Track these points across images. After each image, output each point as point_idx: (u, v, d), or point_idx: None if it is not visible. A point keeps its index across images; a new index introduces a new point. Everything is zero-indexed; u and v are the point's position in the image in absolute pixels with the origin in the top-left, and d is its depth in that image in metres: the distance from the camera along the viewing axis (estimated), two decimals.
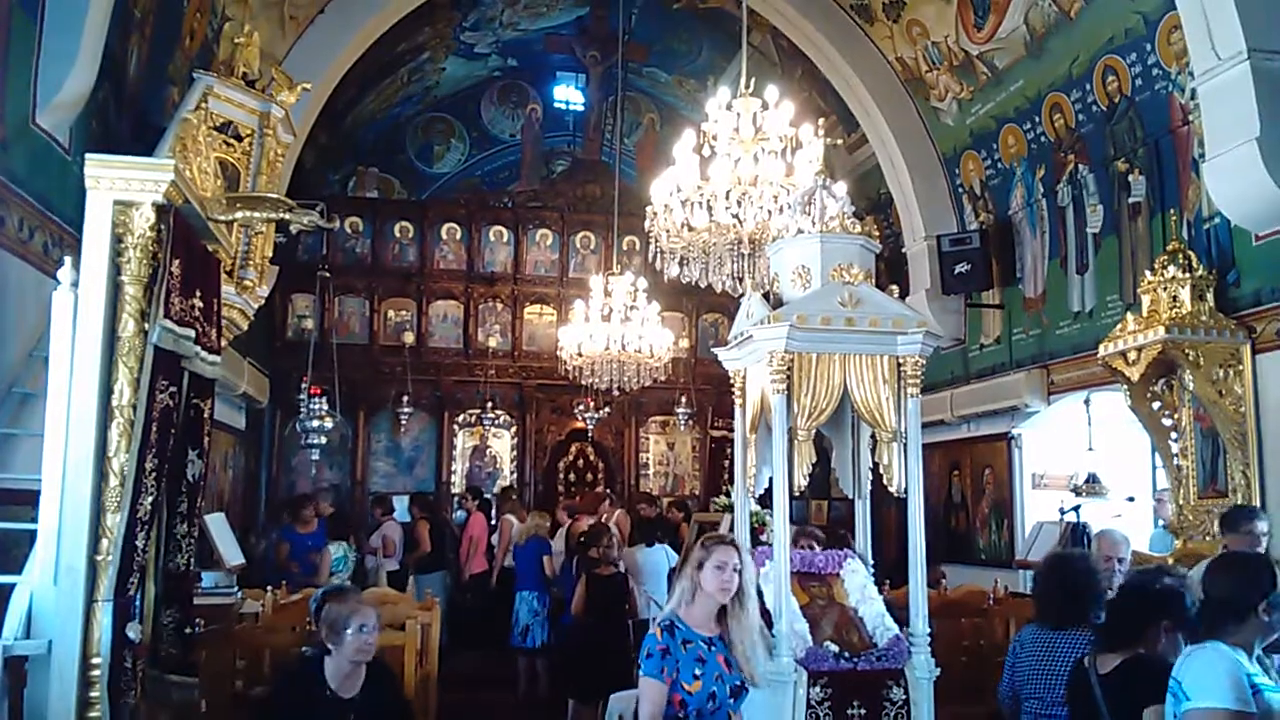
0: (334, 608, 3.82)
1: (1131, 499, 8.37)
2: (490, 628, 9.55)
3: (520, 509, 11.04)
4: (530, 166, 14.77)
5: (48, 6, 5.06)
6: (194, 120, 4.90)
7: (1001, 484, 9.72)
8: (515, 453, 13.56)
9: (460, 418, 13.34)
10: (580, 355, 9.77)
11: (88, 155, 3.86)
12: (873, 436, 4.27)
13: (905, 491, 4.07)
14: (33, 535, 3.88)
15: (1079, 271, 8.57)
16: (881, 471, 4.11)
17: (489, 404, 13.04)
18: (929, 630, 4.08)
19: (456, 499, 12.46)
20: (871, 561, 4.60)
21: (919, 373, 4.14)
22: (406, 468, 13.13)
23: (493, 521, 11.17)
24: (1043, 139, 8.76)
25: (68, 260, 3.98)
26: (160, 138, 5.24)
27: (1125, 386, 6.73)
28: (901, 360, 4.12)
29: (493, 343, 13.23)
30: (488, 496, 11.97)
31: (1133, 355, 6.49)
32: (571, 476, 14.06)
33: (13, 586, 3.88)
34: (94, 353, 3.81)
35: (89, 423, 3.77)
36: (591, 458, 14.11)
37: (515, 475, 13.43)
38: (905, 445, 4.09)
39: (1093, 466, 8.68)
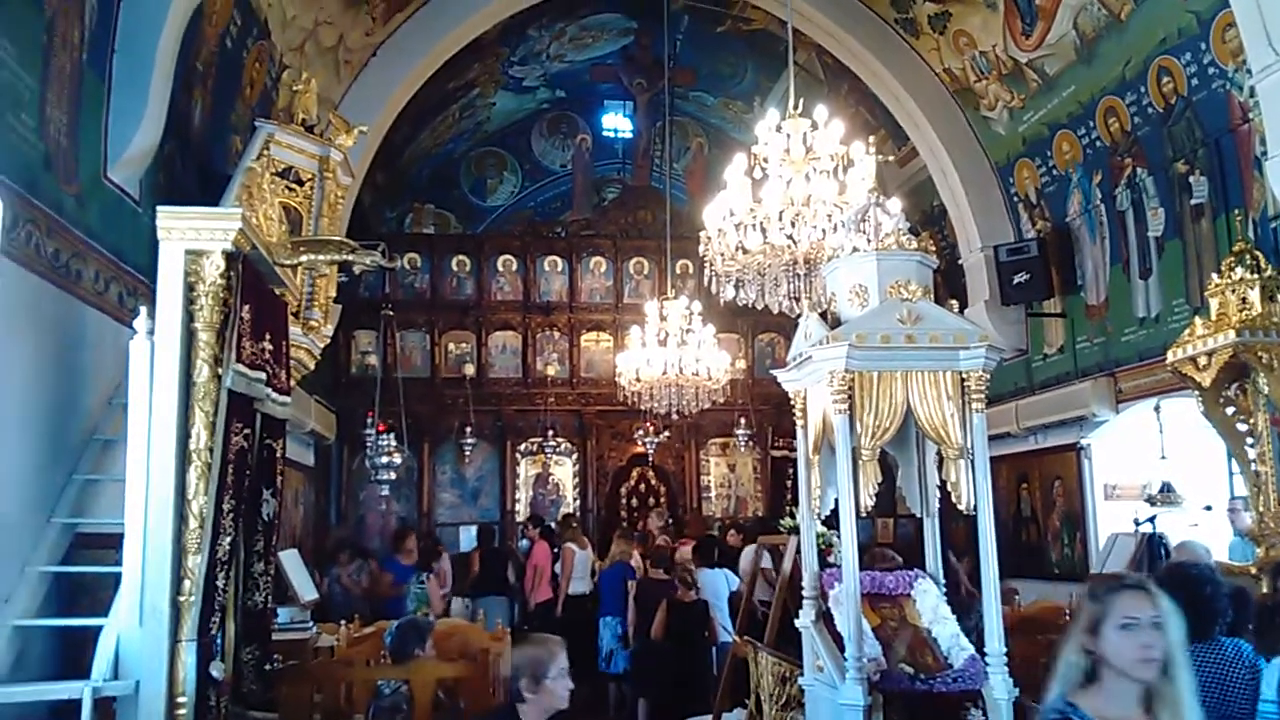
0: (533, 652, 3.57)
1: (1209, 508, 8.15)
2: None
3: (580, 536, 11.09)
4: (582, 196, 14.91)
5: (115, 65, 5.27)
6: (258, 168, 5.05)
7: (1072, 495, 9.53)
8: (577, 479, 13.61)
9: (522, 446, 13.45)
10: (638, 380, 9.81)
11: (159, 207, 4.00)
12: (939, 453, 4.22)
13: (974, 508, 4.01)
14: (117, 578, 4.01)
15: (1142, 276, 8.42)
16: (949, 489, 4.06)
17: (550, 432, 13.12)
18: (1005, 650, 4.00)
19: (520, 527, 12.55)
20: (943, 580, 4.54)
21: (983, 387, 4.08)
22: (471, 498, 13.25)
23: (556, 549, 11.20)
24: (1098, 144, 8.64)
25: (143, 309, 4.12)
26: (225, 185, 5.40)
27: (1197, 392, 6.57)
28: (965, 375, 4.07)
29: (551, 371, 13.34)
30: (550, 524, 12.03)
31: (1203, 360, 6.33)
32: (634, 501, 14.06)
33: (100, 629, 4.00)
34: (171, 398, 3.94)
35: (168, 467, 3.89)
36: (653, 482, 14.10)
37: (578, 502, 13.47)
38: (972, 461, 4.04)
39: (1166, 475, 8.49)
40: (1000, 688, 3.88)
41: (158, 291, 4.04)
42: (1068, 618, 6.60)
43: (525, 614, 10.68)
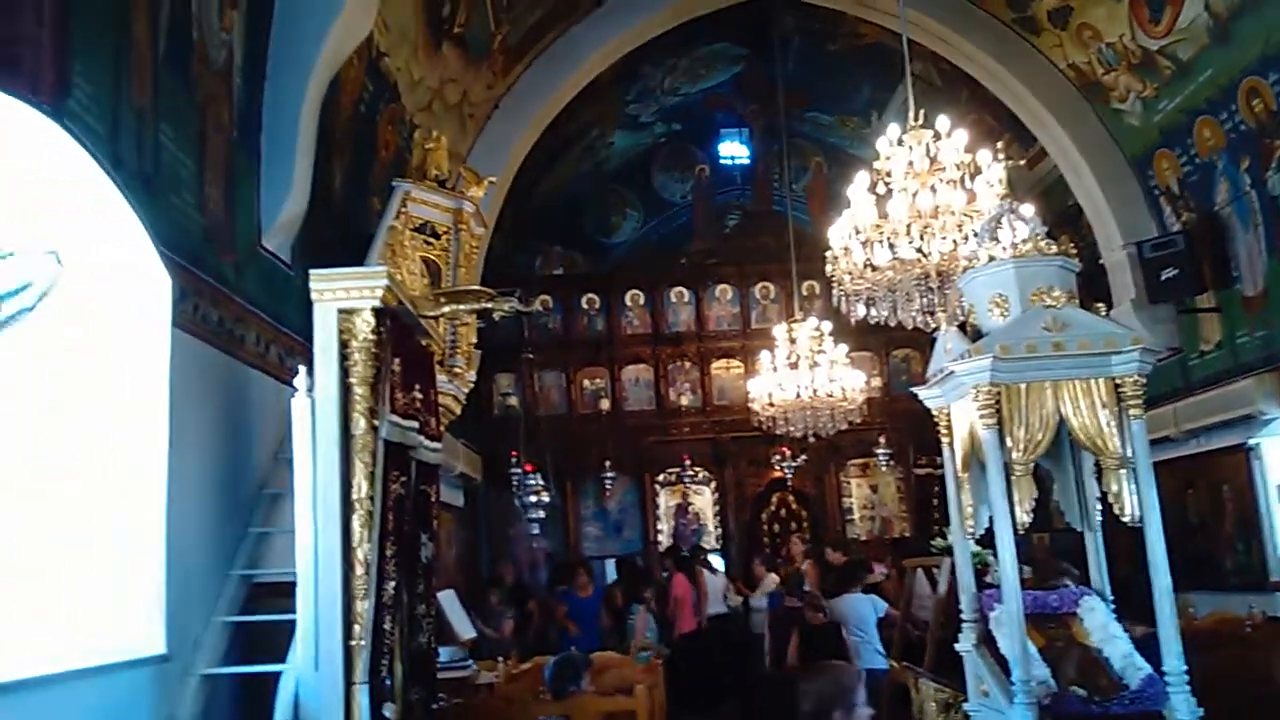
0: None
1: None
2: (709, 686, 9.54)
3: (708, 562, 11.30)
4: (704, 225, 14.99)
5: (263, 141, 5.62)
6: (398, 226, 5.29)
7: (1243, 499, 8.97)
8: (717, 507, 13.59)
9: (660, 477, 13.54)
10: (771, 405, 9.76)
11: (312, 271, 4.21)
12: (1097, 463, 4.07)
13: (1140, 520, 3.84)
14: (291, 626, 4.21)
15: None
16: (1111, 500, 3.91)
17: (686, 461, 13.17)
18: (1185, 667, 3.80)
19: (659, 560, 12.62)
20: (1111, 597, 4.35)
21: (1140, 393, 3.92)
22: (615, 530, 13.39)
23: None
24: (1242, 127, 8.20)
25: (301, 368, 4.34)
26: (367, 244, 5.67)
27: None
28: (1119, 381, 3.92)
29: (684, 401, 13.42)
30: (685, 553, 12.04)
31: None
32: (775, 527, 13.93)
33: (279, 675, 4.21)
34: (332, 451, 4.12)
35: (333, 517, 4.07)
36: (794, 506, 13.95)
37: (719, 529, 13.45)
38: (1134, 470, 3.87)
39: None
40: (1183, 708, 3.69)
41: (314, 350, 4.25)
42: (1249, 629, 6.23)
43: (670, 644, 10.68)
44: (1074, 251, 4.38)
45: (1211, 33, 7.96)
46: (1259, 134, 8.06)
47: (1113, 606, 4.28)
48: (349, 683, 3.99)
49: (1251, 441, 8.83)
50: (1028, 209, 4.85)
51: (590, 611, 9.56)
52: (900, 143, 6.17)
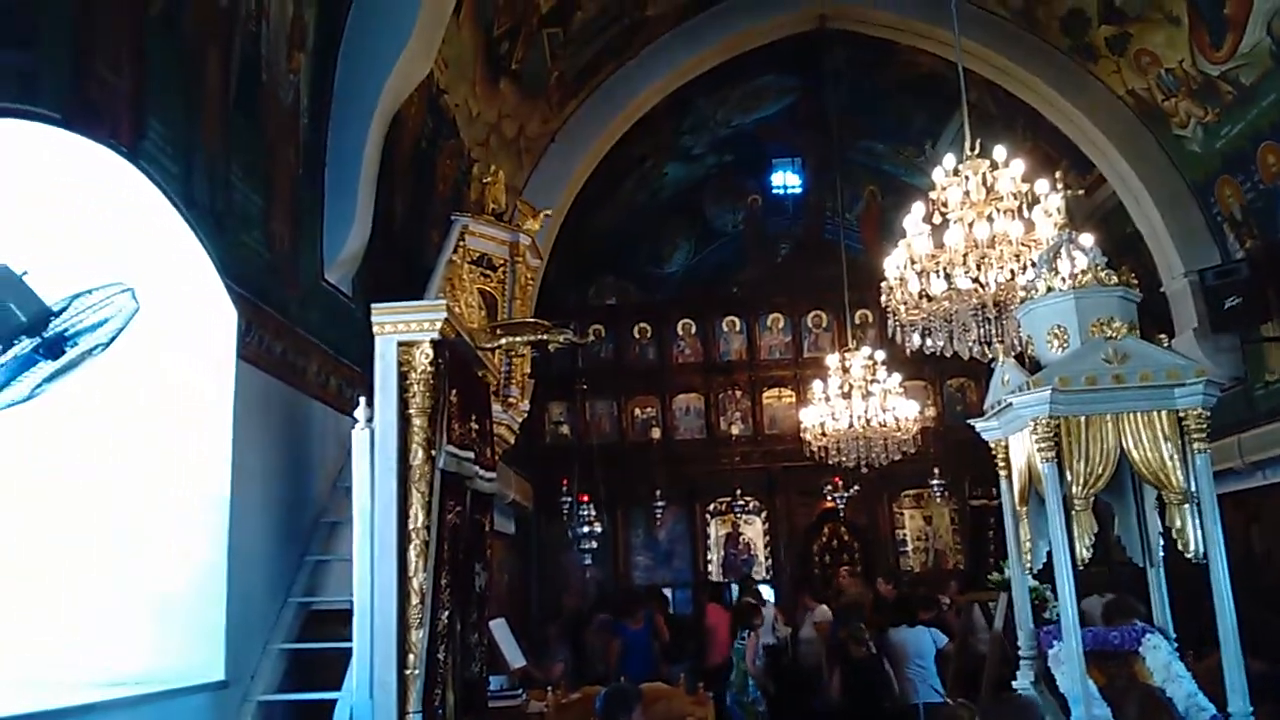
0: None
1: None
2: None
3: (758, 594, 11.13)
4: (756, 254, 14.98)
5: (327, 178, 5.76)
6: (457, 259, 5.37)
7: None
8: (768, 537, 13.48)
9: (711, 507, 13.47)
10: (824, 435, 9.70)
11: (374, 305, 4.30)
12: (1159, 497, 3.99)
13: (1204, 556, 3.76)
14: (346, 653, 4.26)
15: None
16: (1174, 535, 3.83)
17: (737, 491, 13.09)
18: (1251, 709, 3.70)
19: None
20: (1174, 635, 4.25)
21: (1204, 426, 3.84)
22: (664, 560, 13.32)
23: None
24: None
25: (361, 400, 4.42)
26: (426, 276, 5.75)
27: None
28: (1182, 414, 3.85)
29: (735, 430, 13.35)
30: (717, 583, 12.00)
31: None
32: (826, 559, 13.77)
33: (334, 702, 4.26)
34: (390, 481, 4.18)
35: (390, 546, 4.12)
36: (845, 538, 13.79)
37: (769, 560, 13.33)
38: (1198, 504, 3.79)
39: None
40: None
41: (374, 381, 4.32)
42: None
43: (706, 674, 10.58)
44: (1134, 281, 4.31)
45: (1275, 57, 7.83)
46: None
47: (1175, 645, 4.19)
48: (403, 712, 4.02)
49: None
50: (1087, 238, 4.79)
51: (641, 643, 9.54)
52: (956, 172, 6.15)
